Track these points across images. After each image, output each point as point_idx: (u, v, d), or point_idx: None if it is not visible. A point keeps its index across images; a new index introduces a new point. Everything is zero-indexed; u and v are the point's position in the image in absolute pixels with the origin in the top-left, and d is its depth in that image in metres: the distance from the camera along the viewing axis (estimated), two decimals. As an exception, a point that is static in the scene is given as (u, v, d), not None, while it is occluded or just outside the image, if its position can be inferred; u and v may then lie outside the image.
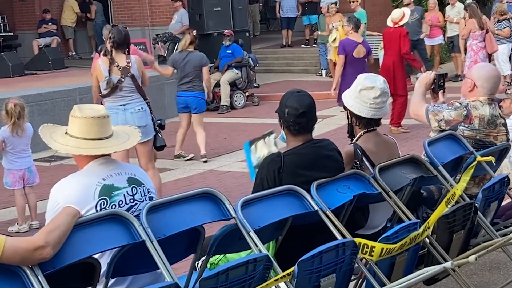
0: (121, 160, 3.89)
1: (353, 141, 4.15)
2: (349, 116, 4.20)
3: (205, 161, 9.50)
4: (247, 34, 16.18)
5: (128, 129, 3.57)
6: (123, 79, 6.93)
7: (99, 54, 7.33)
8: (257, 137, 4.16)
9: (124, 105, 6.98)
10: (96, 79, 7.10)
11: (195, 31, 10.31)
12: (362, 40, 10.64)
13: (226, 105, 13.65)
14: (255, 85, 14.55)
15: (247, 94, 14.37)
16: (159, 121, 7.18)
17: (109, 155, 3.37)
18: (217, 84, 13.80)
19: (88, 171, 3.29)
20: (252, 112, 13.58)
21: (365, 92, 4.06)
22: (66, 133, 3.30)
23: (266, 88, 15.31)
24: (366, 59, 10.44)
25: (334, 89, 10.56)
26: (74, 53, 19.36)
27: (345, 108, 4.22)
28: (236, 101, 14.04)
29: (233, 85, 13.92)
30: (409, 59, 10.84)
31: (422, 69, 11.10)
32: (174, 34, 15.25)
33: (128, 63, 6.95)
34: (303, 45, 19.26)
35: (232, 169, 9.17)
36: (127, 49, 7.03)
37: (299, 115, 3.69)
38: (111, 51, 6.94)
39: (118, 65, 6.92)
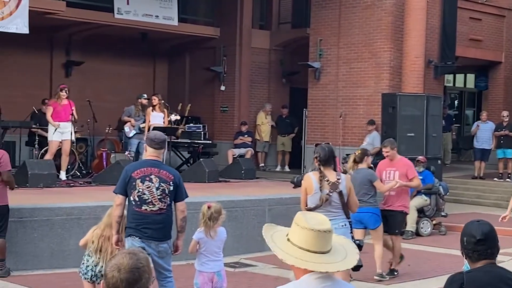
0: (341, 275, 3.77)
1: None
2: None
3: (380, 280, 9.25)
4: (439, 161, 15.97)
5: (344, 242, 3.35)
6: (331, 194, 7.18)
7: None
8: None
9: (329, 220, 7.04)
10: (304, 191, 7.36)
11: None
12: None
13: (411, 231, 13.37)
14: (443, 213, 14.18)
15: (434, 222, 14.02)
16: (357, 241, 7.16)
17: None
18: (404, 209, 13.63)
19: (304, 284, 3.12)
20: (438, 242, 13.16)
21: None
22: (287, 239, 3.17)
23: (454, 218, 14.82)
24: None
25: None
26: (263, 165, 20.12)
27: None
28: (422, 228, 13.73)
29: (420, 211, 13.68)
30: None
31: None
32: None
33: (338, 179, 7.24)
34: (495, 178, 18.61)
35: (415, 297, 8.87)
36: (334, 164, 7.29)
37: (476, 242, 3.65)
38: (319, 167, 7.28)
39: (328, 180, 7.21)
